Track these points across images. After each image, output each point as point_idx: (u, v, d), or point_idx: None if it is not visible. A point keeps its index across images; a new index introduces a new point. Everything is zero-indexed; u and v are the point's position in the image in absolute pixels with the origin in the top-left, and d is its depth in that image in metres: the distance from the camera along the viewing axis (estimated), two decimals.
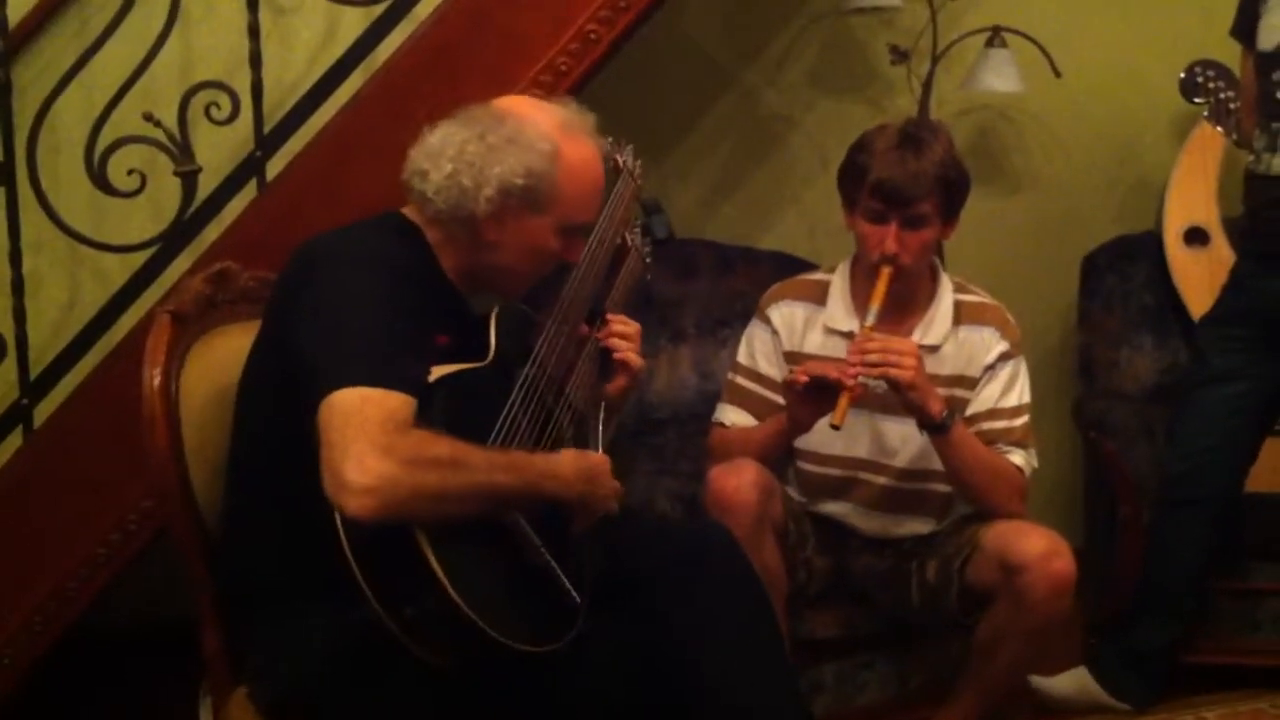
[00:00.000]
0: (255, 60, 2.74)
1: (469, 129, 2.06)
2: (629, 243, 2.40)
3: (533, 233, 2.08)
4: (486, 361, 2.02)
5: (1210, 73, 3.64)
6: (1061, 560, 2.59)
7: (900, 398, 2.63)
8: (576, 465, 2.00)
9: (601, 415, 2.23)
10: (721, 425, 2.86)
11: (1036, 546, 2.60)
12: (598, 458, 2.09)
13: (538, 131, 2.06)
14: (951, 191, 2.70)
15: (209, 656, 2.10)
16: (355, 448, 1.74)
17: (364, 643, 1.83)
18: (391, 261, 1.99)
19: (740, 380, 2.88)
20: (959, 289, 2.85)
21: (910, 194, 2.64)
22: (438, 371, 1.90)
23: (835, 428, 2.56)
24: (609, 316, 2.30)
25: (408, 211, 2.12)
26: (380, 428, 1.76)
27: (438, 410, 1.84)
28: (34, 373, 2.81)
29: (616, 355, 2.27)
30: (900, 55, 3.74)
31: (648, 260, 2.48)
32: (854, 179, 2.72)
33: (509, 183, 2.03)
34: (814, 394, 2.60)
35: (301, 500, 1.81)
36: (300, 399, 1.82)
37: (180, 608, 2.17)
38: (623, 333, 2.29)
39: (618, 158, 2.35)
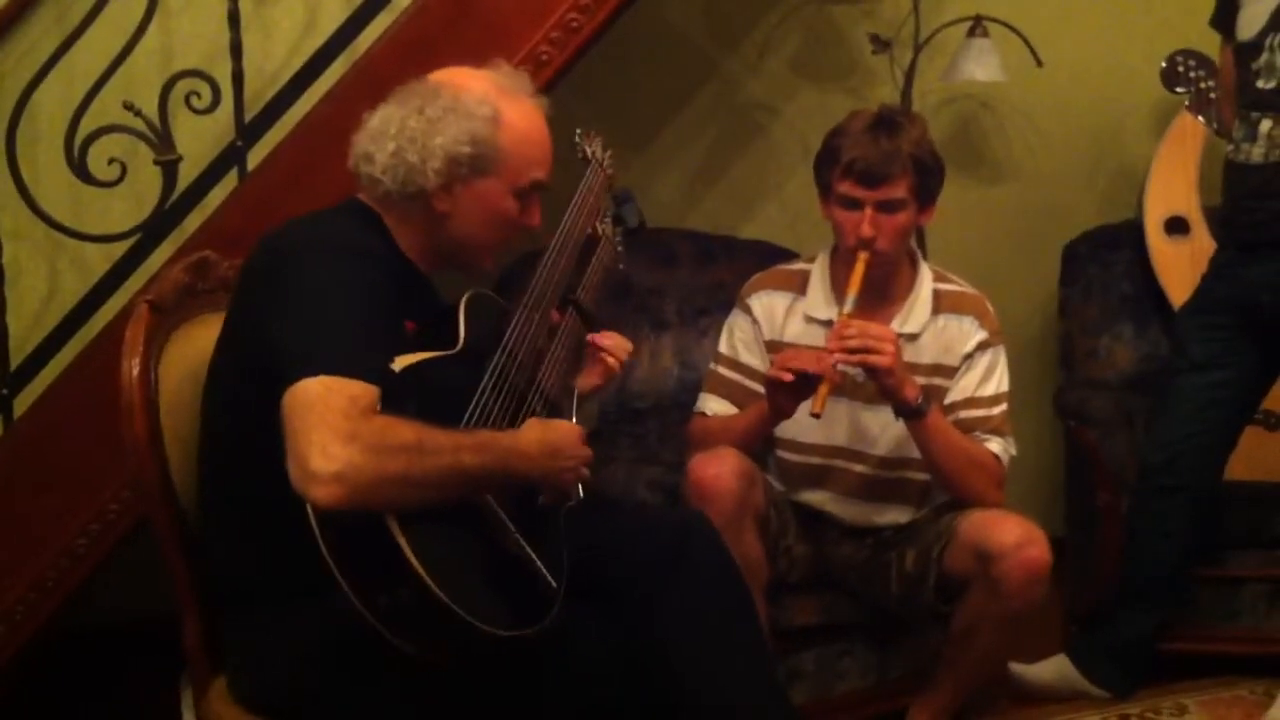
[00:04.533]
0: (236, 49, 2.74)
1: (407, 105, 2.07)
2: (600, 232, 2.40)
3: (486, 197, 2.08)
4: (456, 349, 2.02)
5: (1191, 62, 3.65)
6: (1036, 548, 2.60)
7: (877, 383, 2.64)
8: (541, 439, 1.98)
9: (574, 404, 2.23)
10: (703, 414, 2.87)
11: (1011, 535, 2.61)
12: (564, 427, 2.06)
13: (474, 97, 2.06)
14: (926, 174, 2.71)
15: (189, 648, 2.09)
16: (318, 435, 1.74)
17: (343, 634, 1.82)
18: (354, 248, 1.99)
19: (721, 370, 2.89)
20: (939, 278, 2.86)
21: (883, 173, 2.65)
22: (407, 360, 1.90)
23: (815, 415, 2.57)
24: (604, 333, 2.31)
25: (363, 197, 2.12)
26: (343, 415, 1.75)
27: (408, 399, 1.83)
28: (14, 363, 2.81)
29: (607, 359, 2.29)
30: (882, 45, 3.74)
31: (620, 249, 2.48)
32: (828, 163, 2.73)
33: (454, 151, 2.03)
34: (794, 382, 2.61)
35: (274, 492, 1.79)
36: (266, 392, 1.82)
37: (161, 600, 2.16)
38: (615, 346, 2.31)
39: (586, 148, 2.36)
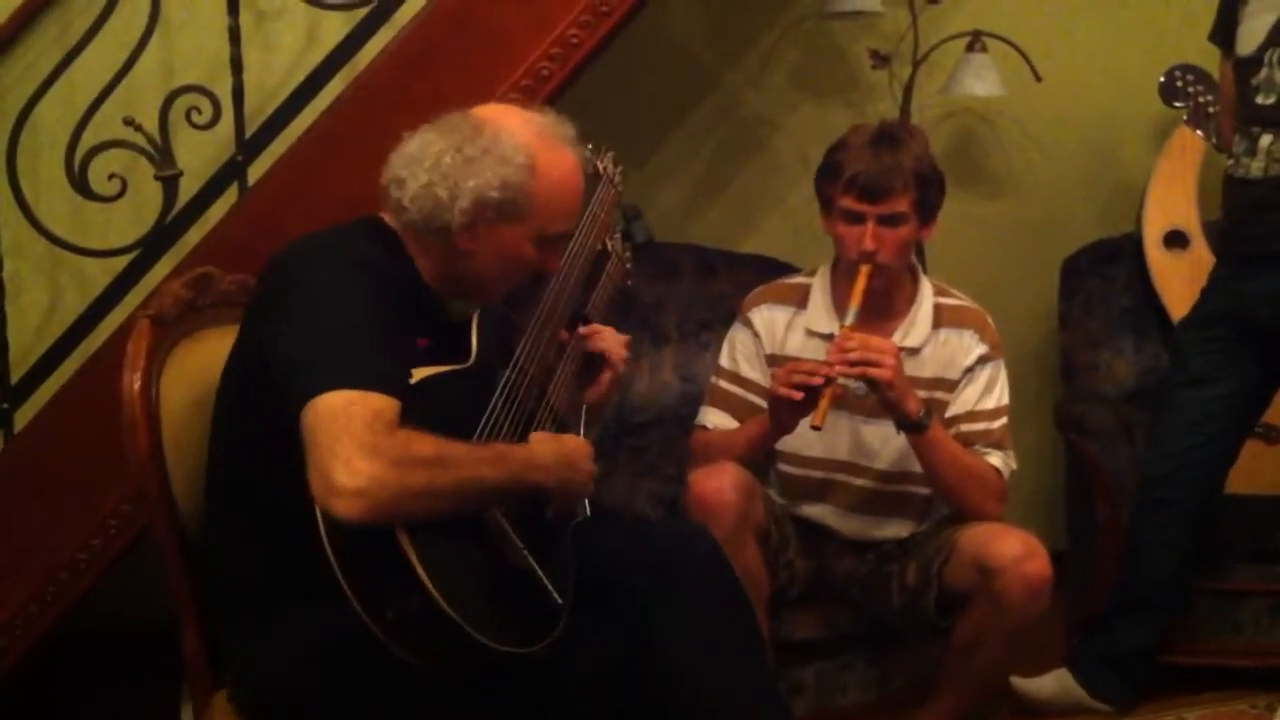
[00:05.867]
0: (236, 64, 2.74)
1: (446, 139, 2.05)
2: (610, 248, 2.40)
3: (508, 242, 2.07)
4: (469, 364, 2.03)
5: (1190, 76, 3.66)
6: (1037, 562, 2.60)
7: (878, 397, 2.64)
8: (555, 451, 2.01)
9: (582, 420, 2.24)
10: (703, 428, 2.87)
11: (1012, 549, 2.61)
12: (574, 441, 2.08)
13: (514, 143, 2.04)
14: (927, 189, 2.71)
15: (189, 660, 2.09)
16: (343, 450, 1.75)
17: (345, 645, 1.83)
18: (370, 265, 1.99)
19: (722, 383, 2.89)
20: (939, 292, 2.86)
21: (885, 187, 2.66)
22: (420, 374, 1.91)
23: (816, 428, 2.57)
24: (597, 327, 2.30)
25: (386, 216, 2.12)
26: (367, 428, 1.76)
27: (421, 413, 1.84)
28: (15, 377, 2.82)
29: (608, 354, 2.29)
30: (881, 60, 3.76)
31: (628, 265, 2.48)
32: (830, 177, 2.73)
33: (483, 195, 2.02)
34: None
35: (283, 503, 1.81)
36: (279, 402, 1.83)
37: (162, 611, 2.16)
38: (619, 341, 2.31)
39: (598, 164, 2.35)
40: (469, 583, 1.84)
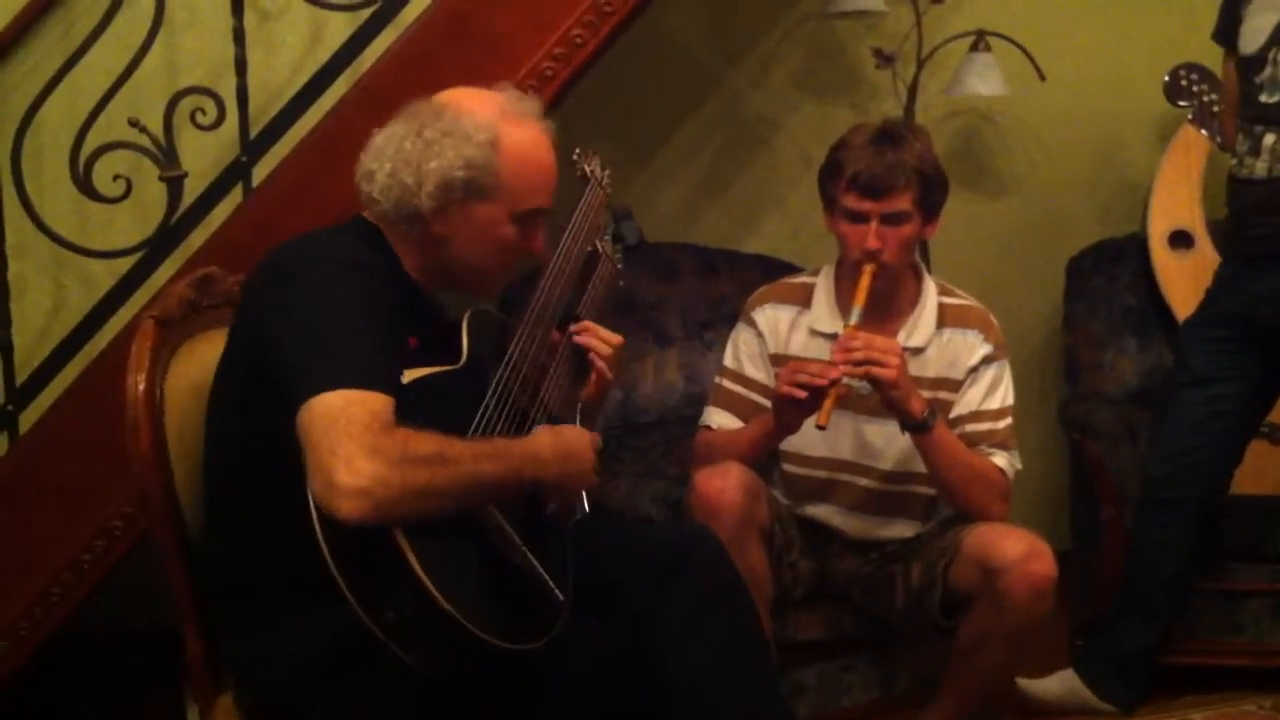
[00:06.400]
0: (240, 66, 2.75)
1: (408, 125, 2.05)
2: (600, 249, 2.41)
3: (484, 222, 2.07)
4: (460, 365, 2.03)
5: (1194, 76, 3.66)
6: (1041, 562, 2.60)
7: (882, 396, 2.64)
8: (555, 445, 1.99)
9: (577, 419, 2.24)
10: (707, 428, 2.87)
11: (1016, 549, 2.60)
12: (573, 432, 2.07)
13: (475, 122, 2.04)
14: (930, 187, 2.71)
15: (191, 661, 2.09)
16: (343, 450, 1.74)
17: (346, 645, 1.83)
18: (359, 263, 1.99)
19: (726, 384, 2.88)
20: (943, 292, 2.86)
21: (888, 185, 2.65)
22: (412, 375, 1.91)
23: (821, 428, 2.57)
24: (591, 324, 2.30)
25: (367, 214, 2.12)
26: (366, 429, 1.76)
27: (413, 413, 1.84)
28: (19, 378, 2.82)
29: (591, 352, 2.28)
30: (885, 59, 3.75)
31: (619, 266, 2.48)
32: (833, 176, 2.73)
33: (448, 176, 2.02)
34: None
35: (279, 503, 1.81)
36: (276, 402, 1.82)
37: (166, 613, 2.17)
38: (605, 339, 2.30)
39: (585, 166, 2.35)
40: (467, 580, 1.84)
